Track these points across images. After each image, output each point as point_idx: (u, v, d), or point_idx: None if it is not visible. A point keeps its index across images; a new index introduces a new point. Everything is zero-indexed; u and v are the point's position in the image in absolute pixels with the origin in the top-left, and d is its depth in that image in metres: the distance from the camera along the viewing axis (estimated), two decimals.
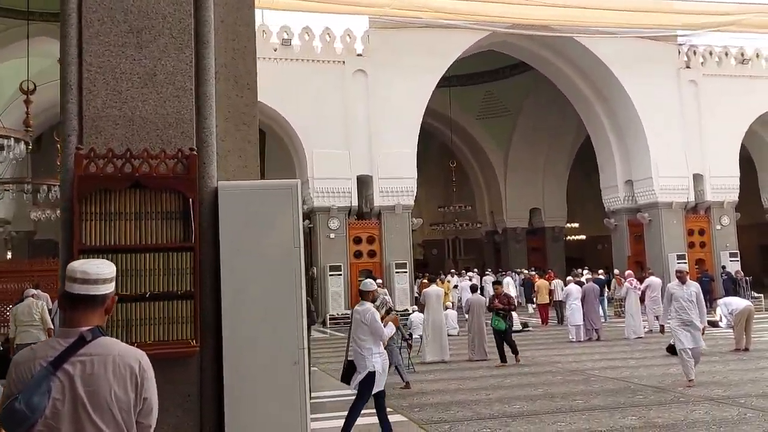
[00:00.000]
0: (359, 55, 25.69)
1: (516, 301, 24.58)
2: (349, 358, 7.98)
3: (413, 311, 16.79)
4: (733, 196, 28.64)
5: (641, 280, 18.76)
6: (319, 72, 24.93)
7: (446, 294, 22.37)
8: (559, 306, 20.66)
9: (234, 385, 4.04)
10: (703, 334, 10.50)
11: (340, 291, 24.44)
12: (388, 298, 20.52)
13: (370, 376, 7.54)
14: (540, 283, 22.62)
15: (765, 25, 28.23)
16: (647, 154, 27.73)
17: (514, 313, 21.10)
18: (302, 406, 4.09)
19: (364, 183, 25.63)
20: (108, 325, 3.68)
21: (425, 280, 22.47)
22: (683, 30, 28.24)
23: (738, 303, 14.72)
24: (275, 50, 24.63)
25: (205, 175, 4.20)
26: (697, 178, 28.26)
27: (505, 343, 13.45)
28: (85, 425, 2.47)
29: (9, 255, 31.17)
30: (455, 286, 25.47)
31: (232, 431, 4.03)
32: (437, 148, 40.89)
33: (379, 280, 22.13)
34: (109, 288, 2.64)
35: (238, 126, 4.68)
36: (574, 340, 16.79)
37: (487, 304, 14.01)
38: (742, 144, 29.25)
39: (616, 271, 21.90)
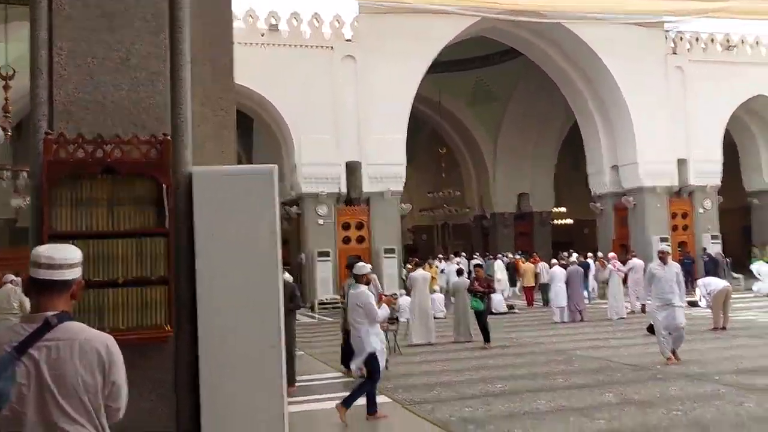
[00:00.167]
0: (348, 40, 25.60)
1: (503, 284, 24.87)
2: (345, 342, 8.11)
3: (401, 295, 16.94)
4: (716, 180, 28.90)
5: (625, 263, 18.97)
6: (308, 57, 24.83)
7: (433, 278, 22.51)
8: (545, 288, 20.86)
9: (210, 370, 4.04)
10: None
11: (328, 277, 24.51)
12: (377, 282, 20.61)
13: (373, 356, 7.74)
14: (526, 266, 22.82)
15: (751, 11, 28.39)
16: (633, 140, 27.90)
17: (500, 296, 21.52)
18: (279, 389, 4.13)
19: (352, 169, 25.63)
20: (80, 311, 3.68)
21: (409, 266, 22.66)
22: (670, 16, 28.34)
23: (716, 283, 14.98)
24: (262, 35, 24.53)
25: (180, 160, 4.22)
26: (681, 163, 28.48)
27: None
28: (51, 409, 2.48)
29: None
30: (442, 271, 25.61)
31: (209, 417, 4.03)
32: (427, 134, 40.90)
33: (369, 266, 22.16)
34: (75, 273, 2.65)
35: (215, 111, 4.71)
36: (558, 321, 17.01)
37: (468, 287, 14.16)
38: (726, 129, 29.48)
39: (599, 254, 22.12)
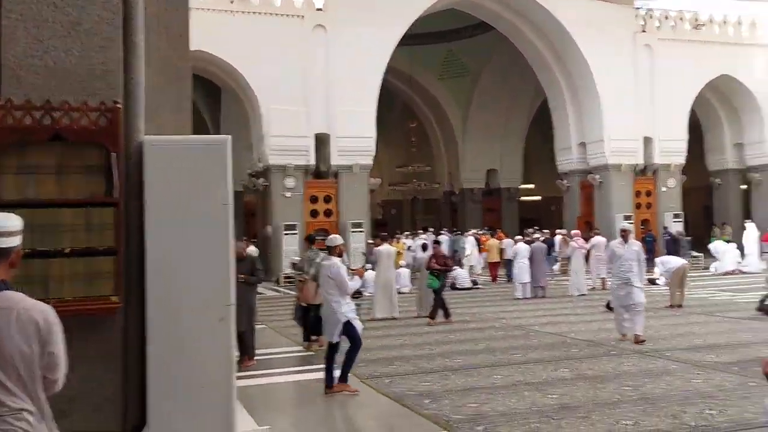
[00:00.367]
0: (319, 9, 25.24)
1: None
2: (319, 313, 8.16)
3: (366, 269, 16.98)
4: (680, 159, 29.32)
5: (588, 240, 19.24)
6: (278, 26, 24.47)
7: (400, 253, 22.63)
8: (509, 264, 21.08)
9: (158, 341, 4.05)
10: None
11: (295, 250, 24.46)
12: (344, 256, 20.62)
13: (348, 325, 7.84)
14: (491, 242, 23.03)
15: None
16: (600, 117, 28.13)
17: (464, 271, 21.71)
18: (228, 362, 4.15)
19: (321, 141, 25.46)
20: (24, 281, 3.65)
21: (370, 240, 22.87)
22: None
23: (674, 262, 15.29)
24: (232, 2, 24.09)
25: (132, 128, 4.18)
26: (647, 141, 28.81)
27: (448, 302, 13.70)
28: None
29: None
30: (409, 248, 25.74)
31: (155, 388, 4.06)
32: (398, 107, 40.77)
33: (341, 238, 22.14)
34: (14, 242, 2.62)
35: (170, 80, 4.65)
36: (520, 297, 17.23)
37: (426, 264, 14.20)
38: (691, 109, 29.87)
39: (563, 231, 22.40)
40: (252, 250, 20.89)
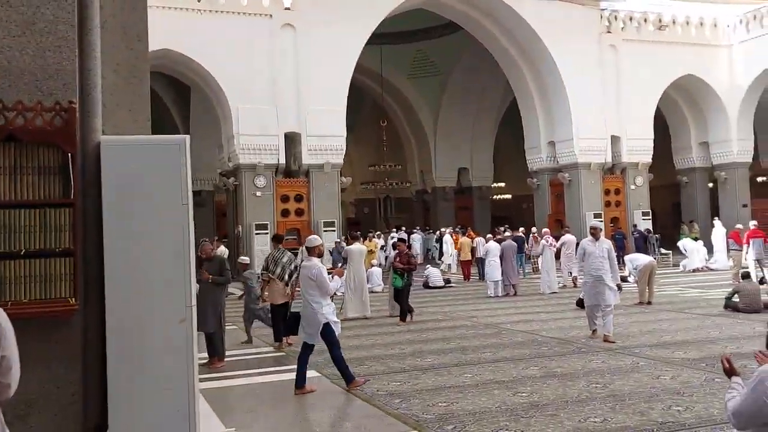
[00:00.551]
0: (287, 8, 25.11)
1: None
2: (292, 310, 8.15)
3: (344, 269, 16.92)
4: (648, 157, 29.76)
5: (558, 238, 19.39)
6: (246, 25, 24.31)
7: (372, 252, 22.61)
8: (481, 263, 21.16)
9: (117, 343, 4.00)
10: (619, 290, 10.70)
11: (266, 249, 24.29)
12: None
13: (327, 326, 7.85)
14: (463, 240, 23.10)
15: None
16: (569, 116, 28.41)
17: (437, 270, 21.75)
18: (189, 363, 4.09)
19: (292, 140, 25.36)
20: None
21: (337, 239, 22.87)
22: None
23: (642, 259, 15.46)
24: (199, 1, 23.86)
25: (88, 128, 4.09)
26: (615, 140, 29.20)
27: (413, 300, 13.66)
28: None
29: None
30: (382, 247, 25.74)
31: (116, 390, 4.00)
32: (369, 106, 40.77)
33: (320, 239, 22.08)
34: None
35: (127, 79, 4.56)
36: (492, 295, 17.31)
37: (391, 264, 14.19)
38: (657, 107, 30.31)
39: (533, 229, 22.55)
40: (222, 250, 20.82)
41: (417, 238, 31.89)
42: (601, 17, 29.23)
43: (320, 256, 8.31)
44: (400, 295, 13.51)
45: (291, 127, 24.89)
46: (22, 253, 3.82)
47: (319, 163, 25.22)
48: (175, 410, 4.04)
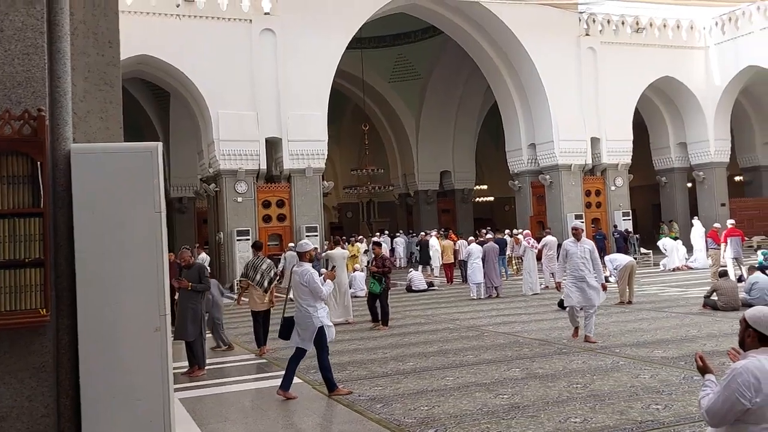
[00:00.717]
0: (267, 13, 25.08)
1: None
2: (285, 315, 8.14)
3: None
4: (627, 158, 30.05)
5: (540, 240, 19.47)
6: (225, 31, 24.24)
7: (355, 257, 22.59)
8: (464, 265, 21.22)
9: (90, 353, 3.95)
10: (605, 290, 10.60)
11: (248, 256, 24.19)
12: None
13: (321, 331, 7.86)
14: (445, 243, 23.14)
15: None
16: (549, 118, 28.60)
17: (419, 273, 21.76)
18: (164, 373, 4.05)
19: (273, 145, 25.31)
20: None
21: (315, 246, 22.75)
22: None
23: (622, 259, 15.58)
24: (177, 6, 23.74)
25: (58, 137, 4.05)
26: (594, 142, 29.44)
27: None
28: None
29: None
30: (365, 251, 25.71)
31: (89, 401, 3.96)
32: (351, 110, 40.83)
33: (291, 244, 22.11)
34: None
35: (99, 86, 4.52)
36: (474, 297, 17.35)
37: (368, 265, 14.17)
38: (635, 109, 30.61)
39: (514, 231, 22.63)
40: (203, 257, 20.72)
41: (400, 242, 31.93)
42: (580, 20, 29.47)
43: (311, 260, 8.30)
44: (380, 300, 13.42)
45: (272, 132, 24.83)
46: None
47: (300, 168, 25.17)
48: (149, 420, 4.00)
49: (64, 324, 4.04)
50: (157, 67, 24.25)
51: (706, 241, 21.10)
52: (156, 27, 22.94)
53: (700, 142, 32.19)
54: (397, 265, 29.07)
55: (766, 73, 29.99)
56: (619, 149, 29.64)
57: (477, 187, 41.59)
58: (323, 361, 7.97)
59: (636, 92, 30.17)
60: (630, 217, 29.88)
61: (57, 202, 4.00)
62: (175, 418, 4.34)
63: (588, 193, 29.68)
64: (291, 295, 8.27)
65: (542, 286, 18.48)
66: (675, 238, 24.97)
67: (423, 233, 28.67)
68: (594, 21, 29.70)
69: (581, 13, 29.50)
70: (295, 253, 20.28)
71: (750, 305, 11.74)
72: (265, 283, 11.19)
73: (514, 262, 22.76)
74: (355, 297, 17.39)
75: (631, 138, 30.07)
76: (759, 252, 18.90)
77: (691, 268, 22.71)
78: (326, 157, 26.00)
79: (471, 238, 20.91)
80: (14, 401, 3.92)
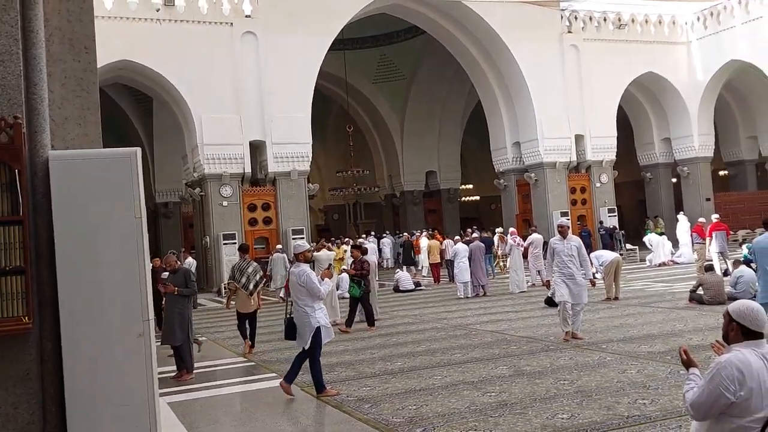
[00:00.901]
0: (248, 16, 25.04)
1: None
2: (289, 315, 8.13)
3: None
4: (611, 155, 30.19)
5: (525, 238, 19.52)
6: (206, 34, 24.18)
7: (342, 259, 22.54)
8: (451, 265, 21.24)
9: (74, 360, 3.95)
10: (593, 286, 10.58)
11: (234, 260, 24.08)
12: (286, 262, 20.53)
13: (317, 332, 7.87)
14: (431, 243, 23.16)
15: None
16: (533, 116, 28.70)
17: (406, 273, 21.77)
18: (148, 378, 4.04)
19: (257, 148, 25.26)
20: None
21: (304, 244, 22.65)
22: None
23: (607, 255, 15.65)
24: (158, 11, 23.64)
25: (36, 144, 4.02)
26: (579, 139, 29.58)
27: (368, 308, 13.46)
28: None
29: None
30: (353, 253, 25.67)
31: (74, 408, 3.95)
32: (335, 112, 40.79)
33: (279, 246, 22.08)
34: None
35: (76, 92, 4.48)
36: (461, 296, 17.37)
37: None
38: (619, 105, 30.77)
39: (499, 230, 22.69)
40: (189, 261, 20.63)
41: (387, 243, 31.93)
42: (562, 17, 29.61)
43: (307, 261, 8.29)
44: (361, 302, 13.37)
45: (256, 135, 24.77)
46: None
47: (285, 171, 25.12)
48: (134, 425, 3.98)
49: (47, 331, 4.03)
50: (138, 72, 24.12)
51: (692, 236, 21.27)
52: (136, 32, 22.83)
53: (684, 137, 32.41)
54: (384, 266, 29.06)
55: (749, 68, 30.22)
56: (603, 146, 29.77)
57: (463, 186, 41.70)
58: (314, 360, 7.96)
59: (619, 88, 30.35)
60: (615, 214, 30.05)
61: (37, 209, 3.97)
62: (163, 423, 4.34)
63: (573, 191, 29.82)
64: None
65: (529, 284, 18.53)
66: (661, 234, 25.12)
67: (406, 234, 28.71)
68: (576, 18, 29.84)
69: (563, 10, 29.65)
70: (282, 255, 20.52)
71: (735, 299, 11.89)
72: (251, 286, 11.31)
73: (500, 260, 22.81)
74: (343, 298, 17.34)
75: (616, 134, 30.24)
76: (744, 246, 19.05)
77: (677, 263, 22.85)
78: (311, 159, 25.97)
79: (457, 237, 20.93)
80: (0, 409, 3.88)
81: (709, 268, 13.95)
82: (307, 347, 7.94)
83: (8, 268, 3.81)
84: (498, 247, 21.47)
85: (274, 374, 9.48)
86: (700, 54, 31.61)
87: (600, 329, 11.07)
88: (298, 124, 25.00)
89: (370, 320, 13.26)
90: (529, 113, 28.90)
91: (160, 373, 5.97)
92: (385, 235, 33.56)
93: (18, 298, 3.83)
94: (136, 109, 32.87)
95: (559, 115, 28.74)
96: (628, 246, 26.68)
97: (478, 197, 45.52)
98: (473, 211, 44.77)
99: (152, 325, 4.12)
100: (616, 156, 30.37)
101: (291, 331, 8.17)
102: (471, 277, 17.53)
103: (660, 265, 22.77)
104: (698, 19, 31.65)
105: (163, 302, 10.14)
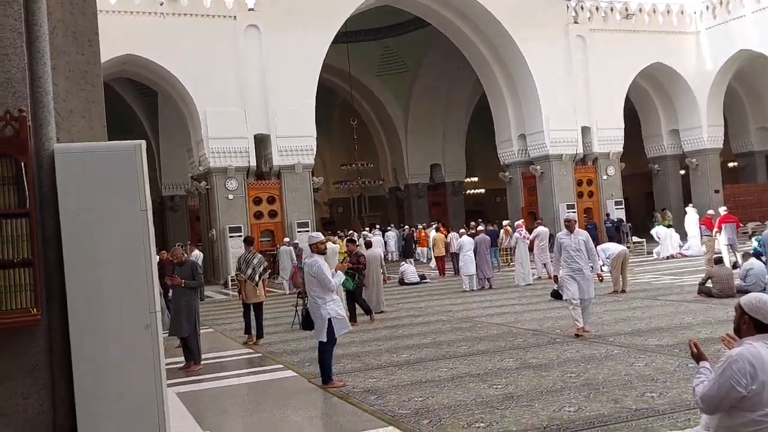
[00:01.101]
0: (251, 9, 25.00)
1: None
2: (307, 307, 8.30)
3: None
4: (618, 147, 30.01)
5: (532, 231, 19.47)
6: (210, 28, 24.15)
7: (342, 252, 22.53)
8: (456, 258, 21.22)
9: (82, 352, 3.97)
10: (601, 280, 10.41)
11: (240, 252, 24.11)
12: (292, 254, 20.58)
13: (329, 323, 7.87)
14: (436, 236, 23.13)
15: None
16: (539, 109, 28.56)
17: (412, 266, 21.76)
18: (156, 370, 4.06)
19: (262, 142, 25.26)
20: None
21: (296, 240, 22.75)
22: None
23: (614, 248, 15.57)
24: (161, 4, 23.63)
25: (41, 137, 4.01)
26: (585, 131, 29.43)
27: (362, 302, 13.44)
28: None
29: None
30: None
31: (83, 400, 3.98)
32: (339, 105, 40.74)
33: (287, 239, 22.12)
34: None
35: (80, 85, 4.47)
36: (467, 289, 17.35)
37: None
38: (626, 97, 30.57)
39: (506, 223, 22.64)
40: (196, 254, 20.67)
41: (392, 236, 31.92)
42: (568, 8, 29.43)
43: (321, 253, 8.27)
44: (354, 295, 13.27)
45: (260, 129, 24.77)
46: None
47: (290, 164, 25.12)
48: (143, 416, 4.00)
49: (55, 323, 4.06)
50: (143, 66, 24.12)
51: (700, 229, 21.15)
52: (140, 26, 22.83)
53: (692, 129, 32.20)
54: (389, 259, 29.07)
55: (759, 57, 29.97)
56: (610, 138, 29.62)
57: (467, 179, 41.61)
58: (323, 351, 7.97)
59: (627, 79, 30.14)
60: (623, 206, 29.93)
61: (43, 202, 3.99)
62: (171, 413, 4.36)
63: (580, 183, 29.70)
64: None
65: (535, 276, 18.49)
66: (668, 226, 25.02)
67: (408, 227, 28.70)
68: (582, 8, 29.65)
69: (569, 0, 29.44)
70: (289, 248, 20.55)
71: (745, 292, 11.85)
72: (256, 277, 11.50)
73: (504, 252, 22.75)
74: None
75: (623, 126, 30.06)
76: (753, 238, 18.94)
77: (685, 256, 22.75)
78: (315, 152, 25.96)
79: (462, 230, 20.89)
80: (9, 399, 3.94)
81: (718, 261, 13.89)
82: (324, 340, 7.92)
83: (16, 261, 3.82)
84: (502, 240, 21.40)
85: (280, 365, 9.50)
86: (709, 44, 31.35)
87: (607, 322, 11.03)
88: (303, 118, 24.98)
89: (368, 312, 13.24)
90: (534, 105, 28.76)
91: (167, 364, 5.99)
92: (389, 228, 33.55)
93: (26, 290, 3.85)
94: (141, 104, 32.89)
95: (566, 106, 28.58)
96: (635, 239, 26.57)
97: (483, 190, 45.41)
98: (478, 204, 44.69)
99: (159, 317, 4.13)
100: (623, 148, 30.19)
101: (308, 321, 8.22)
102: (476, 269, 17.50)
103: (668, 257, 22.67)
104: (707, 8, 31.39)
105: (170, 294, 10.23)
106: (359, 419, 6.63)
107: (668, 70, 31.37)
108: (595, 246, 18.13)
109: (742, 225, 23.83)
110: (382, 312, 14.17)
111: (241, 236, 23.88)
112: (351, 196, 43.29)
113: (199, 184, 25.62)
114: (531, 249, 18.61)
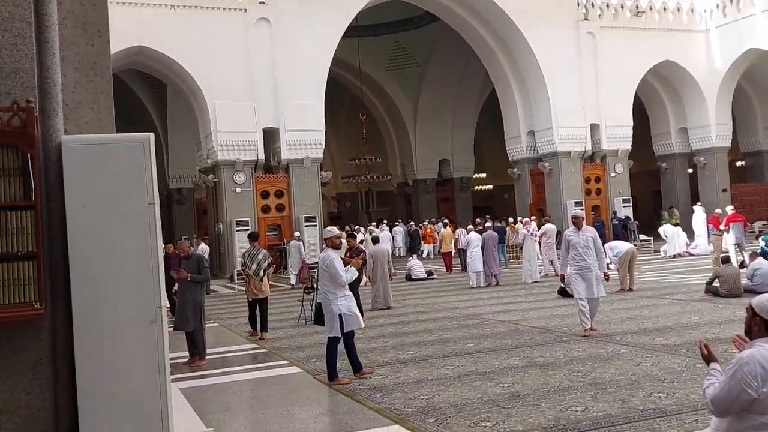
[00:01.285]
0: (262, 2, 24.93)
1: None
2: (318, 301, 8.30)
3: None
4: (627, 144, 29.89)
5: (539, 228, 19.39)
6: (220, 20, 24.10)
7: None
8: (463, 254, 21.17)
9: (86, 346, 3.93)
10: (607, 279, 10.22)
11: (247, 246, 24.13)
12: (301, 249, 20.60)
13: (340, 319, 7.85)
14: (444, 232, 23.09)
15: None
16: (548, 105, 28.45)
17: (419, 262, 21.70)
18: (160, 365, 4.02)
19: (270, 136, 25.22)
20: None
21: (297, 234, 22.77)
22: None
23: (622, 246, 15.50)
24: None
25: (49, 128, 3.98)
26: (594, 128, 29.29)
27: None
28: None
29: None
30: (361, 241, 25.66)
31: (86, 394, 3.95)
32: (348, 100, 40.66)
33: (297, 234, 22.13)
34: None
35: (89, 76, 4.44)
36: (474, 286, 17.31)
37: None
38: (635, 94, 30.43)
39: (510, 220, 22.56)
40: (203, 248, 20.69)
41: (399, 231, 31.88)
42: (578, 4, 29.27)
43: (336, 247, 8.25)
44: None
45: (269, 123, 24.74)
46: None
47: (298, 158, 25.09)
48: (146, 412, 3.97)
49: (60, 317, 4.02)
50: (152, 58, 24.11)
51: (708, 227, 21.02)
52: (151, 18, 22.80)
53: (701, 127, 32.03)
54: (397, 254, 29.05)
55: None
56: (619, 135, 29.50)
57: (476, 175, 41.51)
58: (332, 347, 7.94)
59: (636, 77, 30.00)
60: (630, 204, 29.82)
61: (49, 194, 3.95)
62: (175, 408, 4.33)
63: (588, 180, 29.59)
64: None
65: (542, 273, 18.42)
66: (675, 225, 24.89)
67: (412, 223, 28.64)
68: (593, 5, 29.50)
69: None
70: (298, 243, 20.55)
71: (752, 291, 11.79)
72: (261, 272, 11.48)
73: (511, 249, 22.69)
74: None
75: (631, 124, 29.93)
76: (761, 238, 18.82)
77: (692, 255, 22.63)
78: (324, 146, 25.92)
79: (470, 226, 20.83)
80: (12, 394, 3.90)
81: (726, 260, 13.79)
82: (339, 335, 7.89)
83: (20, 253, 3.78)
84: (509, 236, 21.32)
85: (285, 361, 9.49)
86: (718, 42, 31.16)
87: (614, 321, 10.97)
88: (312, 112, 24.93)
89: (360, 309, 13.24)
90: (543, 102, 28.65)
91: (172, 359, 5.98)
92: (397, 223, 33.52)
93: (30, 284, 3.81)
94: (150, 96, 32.91)
95: (575, 103, 28.46)
96: (642, 237, 26.46)
97: (491, 186, 45.32)
98: (486, 200, 44.59)
99: (165, 312, 4.09)
100: (632, 145, 30.06)
101: (320, 315, 8.20)
102: (483, 266, 17.45)
103: (675, 256, 22.57)
104: (717, 6, 31.18)
105: (176, 288, 10.20)
106: (365, 417, 6.59)
107: (677, 68, 31.20)
108: (603, 244, 18.18)
109: (749, 224, 23.65)
110: (389, 308, 14.15)
111: (248, 230, 23.97)
112: (359, 190, 43.24)
113: (206, 177, 25.63)
114: (539, 246, 18.53)
